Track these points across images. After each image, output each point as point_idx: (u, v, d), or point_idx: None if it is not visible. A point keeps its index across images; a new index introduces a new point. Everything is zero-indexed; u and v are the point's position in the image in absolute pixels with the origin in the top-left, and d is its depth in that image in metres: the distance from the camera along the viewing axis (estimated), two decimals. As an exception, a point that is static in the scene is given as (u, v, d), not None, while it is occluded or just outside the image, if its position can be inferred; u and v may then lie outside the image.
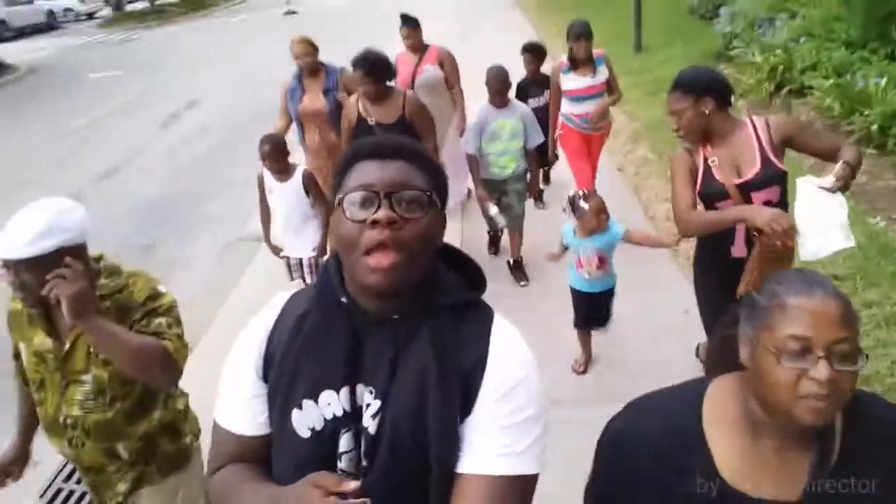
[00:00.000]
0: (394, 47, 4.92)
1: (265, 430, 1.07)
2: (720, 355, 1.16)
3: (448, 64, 4.89)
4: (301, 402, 1.01)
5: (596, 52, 4.38)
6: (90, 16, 28.66)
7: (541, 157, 4.65)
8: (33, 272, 1.57)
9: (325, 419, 1.00)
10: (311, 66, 4.23)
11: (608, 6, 12.65)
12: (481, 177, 4.09)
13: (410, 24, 4.82)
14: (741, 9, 8.29)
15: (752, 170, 2.37)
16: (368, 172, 0.99)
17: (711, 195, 2.44)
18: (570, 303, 3.38)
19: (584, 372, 3.41)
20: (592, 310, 3.30)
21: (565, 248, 3.28)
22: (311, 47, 4.25)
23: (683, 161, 2.50)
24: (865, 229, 4.07)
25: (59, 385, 1.75)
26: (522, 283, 4.29)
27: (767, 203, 2.32)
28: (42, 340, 1.75)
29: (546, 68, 4.98)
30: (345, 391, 0.99)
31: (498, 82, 3.91)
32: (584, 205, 3.07)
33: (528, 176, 4.25)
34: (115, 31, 23.13)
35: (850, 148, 2.34)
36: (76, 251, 1.64)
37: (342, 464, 1.00)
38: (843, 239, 2.12)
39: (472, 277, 1.10)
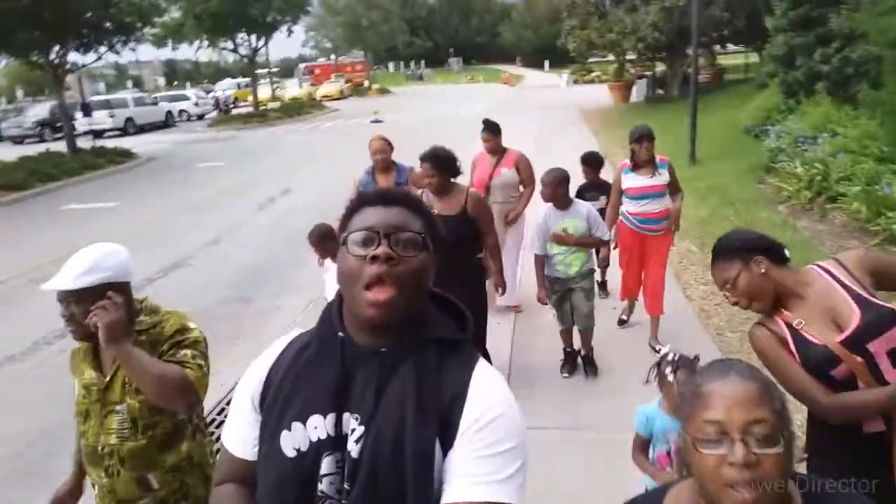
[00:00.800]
0: (471, 150, 5.43)
1: (255, 456, 1.15)
2: (681, 456, 1.14)
3: (523, 167, 5.17)
4: (291, 424, 1.08)
5: (659, 157, 4.48)
6: (200, 117, 32.38)
7: (601, 256, 4.72)
8: (79, 304, 1.78)
9: (310, 441, 1.07)
10: (384, 162, 4.58)
11: (669, 127, 13.63)
12: (546, 275, 4.15)
13: (491, 129, 5.14)
14: (789, 127, 9.03)
15: (854, 318, 1.84)
16: (371, 216, 1.10)
17: (817, 365, 1.88)
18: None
19: None
20: None
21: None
22: (386, 145, 4.60)
23: (767, 339, 1.96)
24: None
25: (100, 415, 1.89)
26: (590, 376, 4.27)
27: (893, 350, 1.82)
28: (89, 373, 1.92)
29: (604, 175, 5.32)
30: (331, 417, 1.06)
31: (551, 180, 3.98)
32: (669, 375, 2.33)
33: (597, 272, 4.31)
34: (222, 129, 26.09)
35: None
36: (118, 287, 1.82)
37: (322, 486, 1.06)
38: None
39: (460, 322, 1.18)
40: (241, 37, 26.86)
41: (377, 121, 22.71)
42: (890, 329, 1.81)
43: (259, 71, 32.49)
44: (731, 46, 25.54)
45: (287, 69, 44.09)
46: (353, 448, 1.04)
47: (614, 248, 4.76)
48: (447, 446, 1.02)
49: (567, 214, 4.02)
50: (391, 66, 70.80)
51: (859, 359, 1.81)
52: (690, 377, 2.18)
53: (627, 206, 4.55)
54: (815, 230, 6.54)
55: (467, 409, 1.02)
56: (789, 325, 1.91)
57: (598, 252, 4.29)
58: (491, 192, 5.06)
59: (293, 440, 1.07)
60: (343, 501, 1.03)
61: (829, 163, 7.21)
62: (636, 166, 4.42)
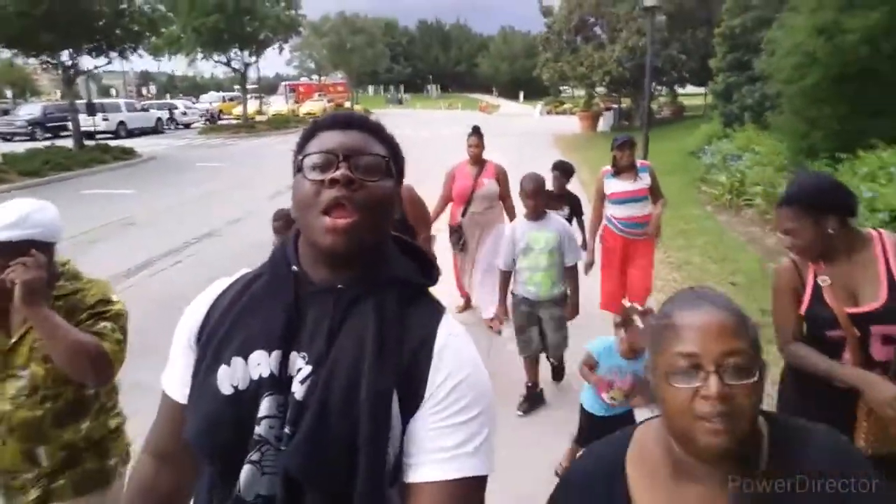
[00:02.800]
0: (439, 171, 5.61)
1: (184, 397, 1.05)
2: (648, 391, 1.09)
3: (503, 179, 5.25)
4: (230, 359, 0.98)
5: (640, 161, 4.58)
6: (187, 126, 33.59)
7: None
8: (1, 257, 1.63)
9: (250, 378, 0.97)
10: None
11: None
12: (515, 293, 3.82)
13: (479, 135, 5.21)
14: (720, 148, 10.97)
15: (876, 300, 1.90)
16: (329, 139, 1.01)
17: (818, 322, 2.00)
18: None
19: None
20: (603, 435, 3.32)
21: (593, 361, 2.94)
22: None
23: (789, 277, 2.08)
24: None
25: None
26: (554, 381, 4.16)
27: (888, 340, 1.89)
28: None
29: (571, 187, 5.43)
30: (276, 354, 0.97)
31: (532, 184, 3.62)
32: (639, 322, 2.75)
33: (567, 297, 3.83)
34: (212, 137, 27.36)
35: None
36: (44, 247, 1.69)
37: (260, 428, 0.94)
38: None
39: (425, 267, 1.09)
40: (234, 52, 28.33)
41: None
42: None
43: (250, 87, 34.03)
44: (689, 87, 28.04)
45: (268, 86, 45.54)
46: (297, 389, 0.94)
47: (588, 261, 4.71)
48: (411, 407, 0.93)
49: (540, 226, 3.65)
50: (371, 89, 72.89)
51: (858, 333, 1.88)
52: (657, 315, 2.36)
53: (611, 211, 4.59)
54: (730, 222, 8.35)
55: (434, 365, 0.94)
56: (815, 277, 1.98)
57: (567, 272, 3.76)
58: (472, 203, 5.17)
59: (231, 376, 0.97)
60: (282, 447, 0.93)
61: (745, 173, 9.08)
62: (618, 172, 4.50)
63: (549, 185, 5.07)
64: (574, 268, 3.76)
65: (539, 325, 3.78)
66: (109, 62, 19.24)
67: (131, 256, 7.72)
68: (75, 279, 1.85)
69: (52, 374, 1.74)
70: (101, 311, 1.80)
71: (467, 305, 5.70)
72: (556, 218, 3.83)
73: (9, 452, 1.76)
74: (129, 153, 19.30)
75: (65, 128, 26.16)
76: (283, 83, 53.37)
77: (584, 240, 4.97)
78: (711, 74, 15.08)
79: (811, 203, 1.93)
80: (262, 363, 0.97)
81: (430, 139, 21.95)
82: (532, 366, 3.88)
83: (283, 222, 3.81)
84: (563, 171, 5.25)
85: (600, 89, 26.96)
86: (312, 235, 0.97)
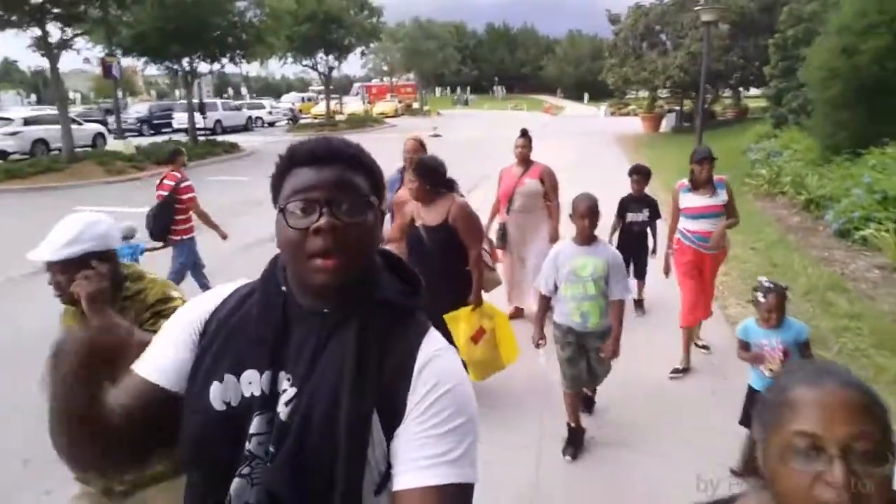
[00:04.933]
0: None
1: (159, 380, 1.04)
2: (749, 466, 1.04)
3: (549, 179, 5.26)
4: (223, 376, 1.01)
5: (717, 176, 4.47)
6: (272, 124, 36.60)
7: (637, 268, 5.30)
8: (64, 273, 1.82)
9: (242, 396, 1.00)
10: (413, 161, 4.29)
11: (686, 150, 16.91)
12: (558, 322, 3.50)
13: (527, 136, 5.33)
14: (765, 146, 12.36)
15: None
16: (307, 179, 0.99)
17: None
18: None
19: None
20: None
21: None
22: (419, 145, 4.60)
23: None
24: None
25: None
26: (584, 412, 3.81)
27: None
28: None
29: (649, 190, 5.56)
30: (267, 374, 0.99)
31: (585, 203, 3.32)
32: (761, 298, 3.03)
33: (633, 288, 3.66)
34: (299, 134, 30.00)
35: None
36: (103, 256, 1.86)
37: (250, 445, 0.98)
38: None
39: (412, 286, 1.10)
40: (320, 56, 30.98)
41: (436, 135, 25.29)
42: None
43: (319, 87, 36.80)
44: (753, 90, 28.78)
45: (339, 87, 48.34)
46: (282, 410, 0.97)
47: (665, 271, 4.85)
48: (393, 424, 0.95)
49: (588, 252, 3.38)
50: (438, 90, 75.24)
51: None
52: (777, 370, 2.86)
53: (686, 224, 4.55)
54: (764, 207, 9.81)
55: (413, 385, 0.96)
56: None
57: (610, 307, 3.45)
58: (514, 200, 5.26)
59: (224, 393, 1.00)
60: (268, 464, 0.97)
61: (782, 167, 10.51)
62: (695, 186, 4.45)
63: (629, 190, 5.56)
64: (621, 304, 3.41)
65: (587, 358, 3.49)
66: (223, 67, 21.99)
67: (269, 227, 9.79)
68: (139, 280, 1.97)
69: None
70: (161, 309, 1.89)
71: (516, 313, 5.53)
72: (608, 246, 3.53)
73: None
74: (234, 147, 22.00)
75: (165, 125, 29.48)
76: (356, 84, 56.36)
77: (656, 244, 5.46)
78: (766, 80, 16.31)
79: None
80: (253, 382, 0.99)
81: (494, 140, 23.66)
82: (576, 402, 3.57)
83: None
84: (643, 174, 5.50)
85: (663, 92, 28.12)
86: (300, 276, 0.99)
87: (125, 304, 1.90)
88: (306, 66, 31.42)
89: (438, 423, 0.94)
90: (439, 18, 55.48)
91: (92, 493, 2.00)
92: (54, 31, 15.86)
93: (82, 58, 24.17)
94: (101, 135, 22.35)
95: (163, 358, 1.06)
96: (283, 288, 1.05)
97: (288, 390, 0.99)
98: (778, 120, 14.38)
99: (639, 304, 5.58)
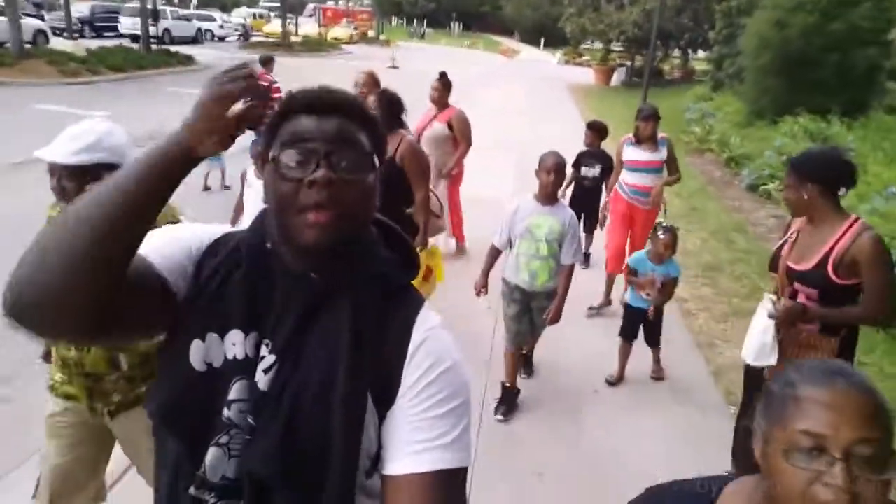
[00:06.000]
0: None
1: (161, 265, 0.95)
2: (744, 451, 1.07)
3: (458, 124, 5.34)
4: (205, 335, 0.94)
5: (661, 134, 4.69)
6: (222, 39, 35.43)
7: (589, 223, 5.38)
8: (73, 180, 1.77)
9: (225, 357, 0.94)
10: (363, 96, 4.08)
11: (632, 104, 18.02)
12: (507, 279, 3.53)
13: (445, 79, 5.37)
14: (701, 107, 13.57)
15: (807, 264, 2.41)
16: (307, 126, 0.92)
17: (773, 261, 2.63)
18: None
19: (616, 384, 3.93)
20: (640, 325, 3.92)
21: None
22: (372, 80, 4.48)
23: (785, 223, 2.79)
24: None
25: None
26: (523, 375, 3.87)
27: (809, 299, 2.42)
28: None
29: (604, 145, 5.68)
30: (253, 336, 0.94)
31: (553, 159, 3.32)
32: (661, 235, 3.73)
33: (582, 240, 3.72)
34: (252, 53, 29.35)
35: (854, 311, 2.36)
36: (112, 168, 1.77)
37: (230, 412, 0.92)
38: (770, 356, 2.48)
39: (406, 260, 1.06)
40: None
41: (393, 67, 25.42)
42: (811, 286, 2.41)
43: (275, 4, 35.49)
44: (701, 52, 30.08)
45: (292, 5, 46.49)
46: (260, 379, 0.92)
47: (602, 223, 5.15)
48: (386, 404, 0.92)
49: (546, 211, 3.38)
50: (394, 20, 73.49)
51: (787, 282, 2.52)
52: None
53: (625, 177, 4.82)
54: (694, 161, 11.04)
55: (408, 364, 0.93)
56: (790, 232, 2.59)
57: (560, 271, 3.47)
58: (420, 142, 4.98)
59: (207, 353, 0.94)
60: (247, 437, 0.91)
61: (714, 127, 11.76)
62: (639, 141, 4.67)
63: (582, 144, 5.66)
64: (570, 268, 3.43)
65: (530, 314, 3.54)
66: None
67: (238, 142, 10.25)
68: None
69: None
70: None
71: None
72: (567, 209, 3.51)
73: (92, 357, 1.89)
74: (189, 60, 21.57)
75: (109, 28, 28.16)
76: (312, 4, 54.50)
77: (608, 200, 5.32)
78: (711, 45, 17.45)
79: (798, 167, 2.42)
80: (237, 343, 0.94)
81: (453, 74, 23.98)
82: (515, 363, 3.61)
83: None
84: (598, 129, 5.60)
85: (616, 46, 29.03)
86: (291, 232, 0.91)
87: None
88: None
89: (433, 406, 0.91)
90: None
91: (72, 409, 1.96)
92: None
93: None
94: (42, 32, 21.32)
95: (169, 248, 0.98)
96: (269, 245, 0.97)
97: (266, 357, 0.93)
98: (717, 83, 15.64)
99: (586, 257, 5.69)
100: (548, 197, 3.38)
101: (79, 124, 1.83)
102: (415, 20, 71.09)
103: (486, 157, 8.36)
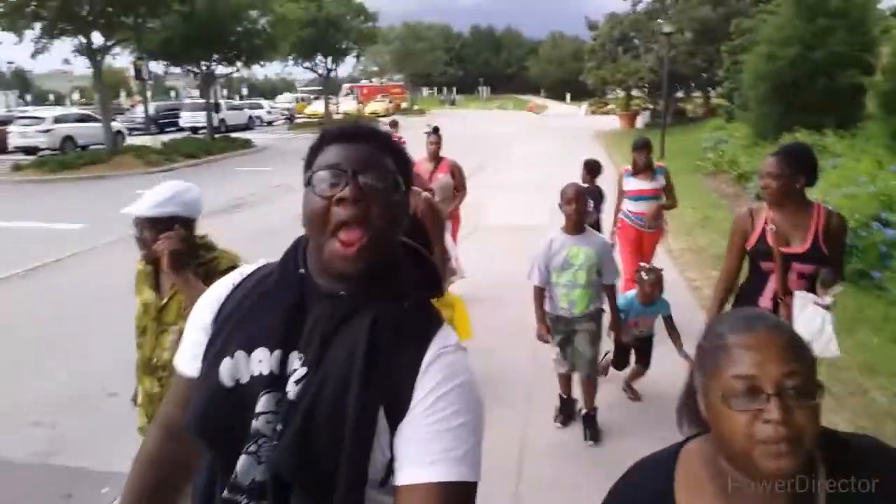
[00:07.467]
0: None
1: (191, 373, 1.08)
2: (688, 411, 1.09)
3: (458, 173, 5.67)
4: (234, 353, 1.02)
5: (657, 163, 5.05)
6: (270, 123, 38.62)
7: None
8: (150, 230, 2.02)
9: (251, 374, 1.00)
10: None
11: (656, 141, 19.41)
12: (548, 312, 3.62)
13: (438, 133, 5.71)
14: (716, 135, 14.91)
15: (802, 246, 2.61)
16: (336, 153, 1.01)
17: (759, 255, 2.70)
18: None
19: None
20: (629, 353, 3.97)
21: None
22: (394, 128, 4.95)
23: (741, 224, 2.79)
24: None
25: (156, 332, 2.15)
26: (589, 442, 3.65)
27: (802, 275, 2.64)
28: (149, 294, 2.18)
29: (601, 181, 5.86)
30: (277, 353, 1.00)
31: (573, 189, 3.46)
32: (644, 276, 3.72)
33: (608, 314, 3.72)
34: (300, 133, 32.10)
35: (832, 271, 2.61)
36: (186, 222, 2.06)
37: (257, 423, 0.97)
38: (833, 349, 2.49)
39: (429, 279, 1.12)
40: (319, 59, 33.09)
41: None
42: (813, 263, 2.60)
43: (313, 88, 38.79)
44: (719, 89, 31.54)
45: (329, 87, 50.17)
46: (291, 389, 0.97)
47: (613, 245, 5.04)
48: (398, 416, 0.95)
49: (580, 241, 3.49)
50: (425, 90, 77.42)
51: (782, 266, 2.63)
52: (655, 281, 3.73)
53: (628, 206, 5.15)
54: (709, 182, 12.27)
55: (422, 376, 0.96)
56: (766, 223, 2.68)
57: (606, 292, 3.64)
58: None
59: (235, 370, 1.01)
60: (275, 442, 0.96)
61: (726, 151, 13.00)
62: (636, 171, 4.96)
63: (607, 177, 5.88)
64: (613, 287, 3.65)
65: (572, 341, 3.65)
66: (237, 70, 24.08)
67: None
68: (211, 250, 2.20)
69: None
70: None
71: None
72: (596, 234, 3.70)
73: None
74: (248, 144, 24.07)
75: (170, 124, 31.31)
76: (345, 85, 58.37)
77: (600, 228, 5.51)
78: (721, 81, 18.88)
79: (796, 157, 2.59)
80: (263, 360, 0.99)
81: (484, 135, 25.74)
82: (566, 382, 3.85)
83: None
84: (590, 168, 5.79)
85: (637, 92, 30.72)
86: (322, 256, 0.99)
87: (199, 270, 2.06)
88: (307, 67, 33.54)
89: (444, 419, 0.93)
90: (425, 19, 57.80)
91: None
92: (97, 39, 17.96)
93: (61, 59, 25.91)
94: (119, 132, 24.25)
95: (192, 350, 1.09)
96: (302, 270, 1.04)
97: (298, 370, 0.98)
98: (730, 114, 16.93)
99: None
100: (575, 226, 3.51)
101: (161, 184, 2.11)
102: (444, 88, 74.77)
103: (527, 197, 10.83)
